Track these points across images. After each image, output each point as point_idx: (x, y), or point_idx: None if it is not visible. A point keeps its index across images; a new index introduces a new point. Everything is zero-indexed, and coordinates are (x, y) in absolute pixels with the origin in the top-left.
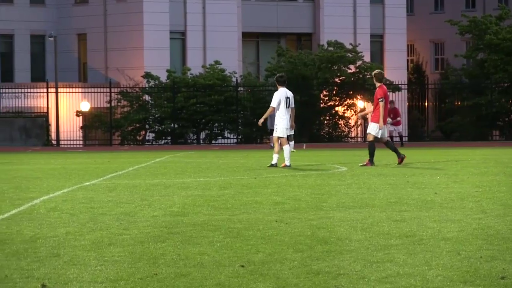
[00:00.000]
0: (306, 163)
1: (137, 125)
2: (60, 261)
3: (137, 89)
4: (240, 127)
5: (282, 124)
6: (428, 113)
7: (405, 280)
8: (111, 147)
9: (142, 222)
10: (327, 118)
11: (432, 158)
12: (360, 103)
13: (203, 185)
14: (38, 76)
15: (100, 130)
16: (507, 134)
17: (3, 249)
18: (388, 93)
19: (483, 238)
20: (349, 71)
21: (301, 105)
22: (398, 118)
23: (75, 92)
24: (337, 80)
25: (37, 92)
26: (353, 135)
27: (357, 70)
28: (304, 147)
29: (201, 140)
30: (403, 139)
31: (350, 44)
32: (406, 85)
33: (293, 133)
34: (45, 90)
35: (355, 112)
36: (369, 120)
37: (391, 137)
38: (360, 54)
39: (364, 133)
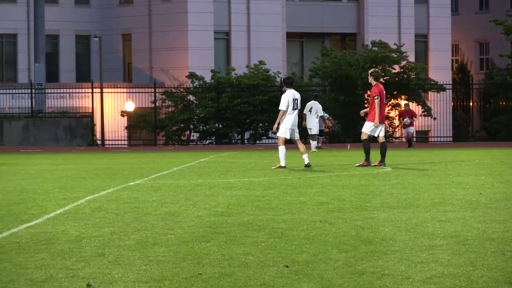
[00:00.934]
0: (350, 163)
1: (182, 125)
2: (105, 260)
3: (181, 89)
4: None
5: (285, 125)
6: (473, 113)
7: (449, 280)
8: (156, 147)
9: (187, 222)
10: None
11: (477, 159)
12: (404, 103)
13: (248, 185)
14: (83, 76)
15: (145, 130)
16: None
17: (48, 249)
18: (384, 92)
19: None
20: (393, 71)
21: (345, 105)
22: (415, 119)
23: (120, 92)
24: (381, 80)
25: (82, 92)
26: (397, 135)
27: (402, 70)
28: (348, 147)
29: (246, 140)
30: (413, 141)
31: (395, 44)
32: (450, 85)
33: (317, 133)
34: (90, 90)
35: (399, 113)
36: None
37: (412, 137)
38: (404, 54)
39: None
